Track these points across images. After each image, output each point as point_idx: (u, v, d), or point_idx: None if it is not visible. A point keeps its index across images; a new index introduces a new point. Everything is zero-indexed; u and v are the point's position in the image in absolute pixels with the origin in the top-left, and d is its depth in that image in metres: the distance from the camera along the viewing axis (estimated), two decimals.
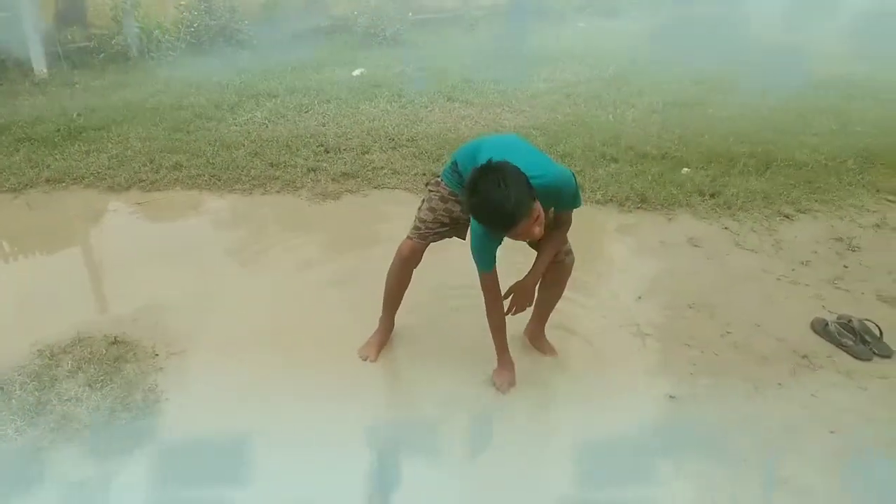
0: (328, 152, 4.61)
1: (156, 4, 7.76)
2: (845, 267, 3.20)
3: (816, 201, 3.86)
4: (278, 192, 4.07)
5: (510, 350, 2.37)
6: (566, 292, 2.46)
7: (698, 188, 3.98)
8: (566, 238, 2.27)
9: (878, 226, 3.61)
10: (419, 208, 2.37)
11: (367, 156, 4.56)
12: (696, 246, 3.41)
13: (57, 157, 4.50)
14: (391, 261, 2.41)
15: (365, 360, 2.48)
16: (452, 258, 2.66)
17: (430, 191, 2.35)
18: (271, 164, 4.39)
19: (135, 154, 4.57)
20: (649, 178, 4.12)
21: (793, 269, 3.17)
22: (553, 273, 2.31)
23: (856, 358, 2.51)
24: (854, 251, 3.34)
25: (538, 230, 1.92)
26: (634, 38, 8.69)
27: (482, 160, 1.98)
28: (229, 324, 2.73)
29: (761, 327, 2.71)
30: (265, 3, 8.93)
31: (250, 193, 4.05)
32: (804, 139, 4.88)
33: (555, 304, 2.47)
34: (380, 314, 2.55)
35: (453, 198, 2.27)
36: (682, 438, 2.17)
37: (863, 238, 3.46)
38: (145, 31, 7.38)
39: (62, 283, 3.06)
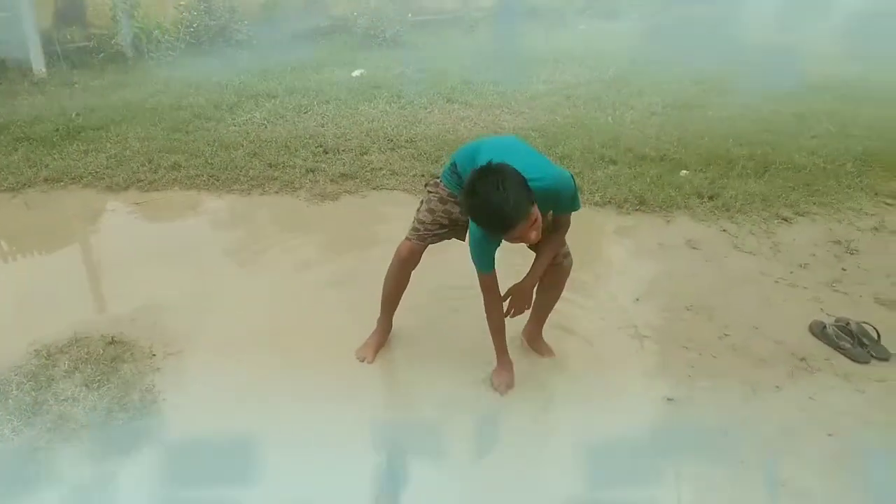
0: (327, 153, 4.61)
1: (155, 4, 7.76)
2: (843, 270, 3.20)
3: (815, 204, 3.86)
4: (277, 192, 4.06)
5: (509, 351, 2.36)
6: (564, 294, 2.46)
7: (697, 190, 3.98)
8: (565, 240, 2.26)
9: (876, 229, 3.61)
10: (418, 209, 2.36)
11: (365, 157, 4.55)
12: (694, 248, 3.41)
13: (55, 156, 4.49)
14: (389, 262, 2.41)
15: (362, 361, 2.47)
16: (451, 259, 2.66)
17: (429, 192, 2.35)
18: (270, 165, 4.38)
19: (133, 154, 4.56)
20: (648, 180, 4.12)
21: (791, 272, 3.17)
22: (551, 275, 2.31)
23: (854, 361, 2.51)
24: (852, 254, 3.34)
25: (535, 234, 1.92)
26: (634, 39, 8.71)
27: (481, 162, 1.97)
28: (227, 324, 2.72)
29: (759, 330, 2.71)
30: (265, 3, 8.93)
31: (249, 194, 4.05)
32: (803, 142, 4.88)
33: (553, 306, 2.47)
34: (377, 315, 2.55)
35: (452, 199, 2.27)
36: (680, 441, 2.17)
37: (861, 241, 3.46)
38: (145, 31, 7.37)
39: (60, 283, 3.06)
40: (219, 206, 3.93)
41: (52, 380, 2.33)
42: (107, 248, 3.51)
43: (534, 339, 2.54)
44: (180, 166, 4.35)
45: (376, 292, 2.51)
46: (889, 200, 3.95)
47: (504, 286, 2.23)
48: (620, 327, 2.72)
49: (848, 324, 2.61)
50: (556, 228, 2.19)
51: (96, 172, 4.26)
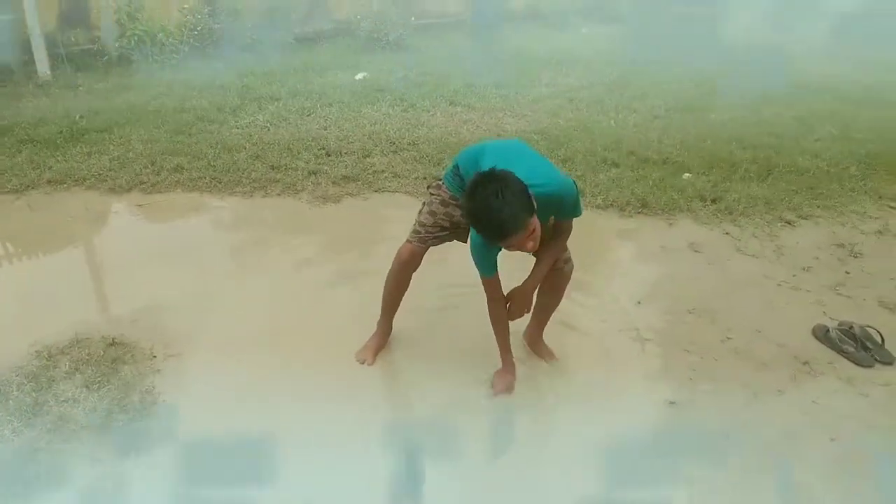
0: (329, 155, 4.61)
1: (159, 7, 7.79)
2: (847, 273, 3.18)
3: (818, 207, 3.85)
4: (279, 194, 4.07)
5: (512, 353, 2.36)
6: (566, 296, 2.45)
7: (699, 193, 3.97)
8: (566, 246, 2.26)
9: (880, 232, 3.60)
10: (419, 212, 2.36)
11: (368, 159, 4.56)
12: (696, 251, 3.40)
13: (59, 158, 4.50)
14: (390, 264, 2.41)
15: (362, 363, 2.47)
16: (452, 261, 2.65)
17: (432, 194, 2.34)
18: (272, 167, 4.39)
19: (136, 156, 4.57)
20: (650, 183, 4.12)
21: (794, 275, 3.15)
22: (552, 280, 2.31)
23: (857, 365, 2.50)
24: (856, 257, 3.33)
25: (532, 244, 1.91)
26: (635, 41, 8.71)
27: (485, 165, 1.97)
28: (228, 326, 2.72)
29: (762, 333, 2.70)
30: (269, 6, 8.95)
31: (251, 196, 4.06)
32: (806, 145, 4.88)
33: (553, 310, 2.47)
34: (378, 317, 2.54)
35: (454, 202, 2.26)
36: (682, 444, 2.16)
37: (865, 244, 3.45)
38: (149, 34, 7.40)
39: (62, 284, 3.06)
40: (221, 208, 3.93)
41: (53, 381, 2.33)
42: (109, 250, 3.52)
43: (534, 341, 2.53)
44: (183, 168, 4.35)
45: (377, 294, 2.50)
46: (893, 203, 3.94)
47: (507, 288, 2.22)
48: (622, 330, 2.71)
49: (851, 327, 2.59)
50: (557, 234, 2.18)
51: (99, 174, 4.27)
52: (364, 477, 1.98)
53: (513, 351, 2.37)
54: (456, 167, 2.24)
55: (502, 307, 2.23)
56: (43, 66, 6.81)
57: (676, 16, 9.22)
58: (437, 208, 2.29)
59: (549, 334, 2.55)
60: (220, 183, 4.18)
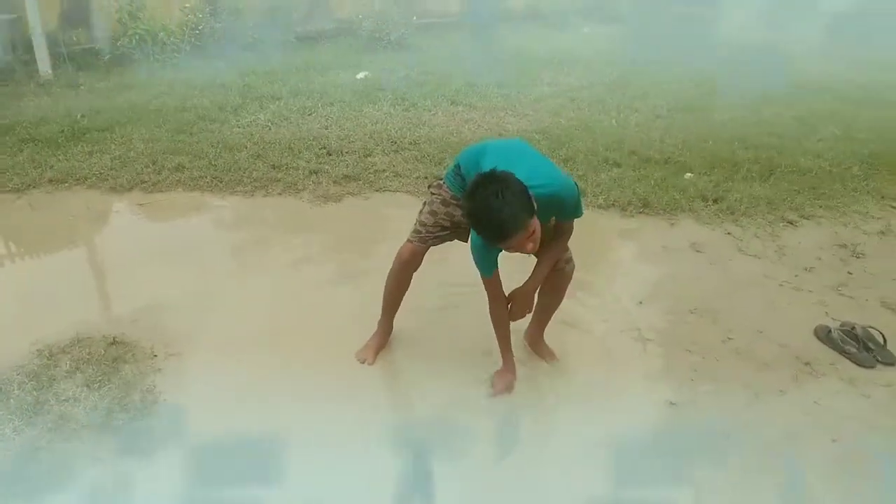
0: (330, 155, 4.61)
1: (161, 7, 7.79)
2: (849, 273, 3.17)
3: (820, 207, 3.84)
4: (280, 194, 4.06)
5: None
6: (568, 296, 2.45)
7: (701, 193, 3.96)
8: (567, 246, 2.26)
9: (882, 232, 3.59)
10: (420, 211, 2.36)
11: (369, 158, 4.56)
12: (698, 251, 3.39)
13: (60, 157, 4.51)
14: (391, 264, 2.40)
15: (363, 363, 2.47)
16: (453, 260, 2.65)
17: (433, 194, 2.34)
18: (273, 167, 4.39)
19: (137, 155, 4.57)
20: (652, 182, 4.11)
21: (796, 276, 3.15)
22: (553, 280, 2.30)
23: (859, 365, 2.49)
24: (858, 258, 3.32)
25: (532, 246, 1.90)
26: (636, 41, 8.70)
27: (486, 164, 1.97)
28: (228, 325, 2.72)
29: (763, 334, 2.69)
30: (270, 5, 8.95)
31: (252, 195, 4.05)
32: (808, 145, 4.87)
33: (554, 311, 2.46)
34: (378, 317, 2.54)
35: (455, 201, 2.26)
36: (683, 445, 2.15)
37: (867, 245, 3.44)
38: (150, 33, 7.40)
39: (63, 284, 3.06)
40: (222, 207, 3.93)
41: (54, 380, 2.33)
42: (110, 249, 3.52)
43: (535, 342, 2.53)
44: (184, 168, 4.35)
45: (378, 294, 2.50)
46: (895, 203, 3.92)
47: (508, 288, 2.22)
48: (623, 330, 2.71)
49: (853, 328, 2.58)
50: (558, 235, 2.18)
51: (101, 173, 4.27)
52: (364, 477, 1.98)
53: (514, 351, 2.37)
54: (457, 167, 2.24)
55: (503, 307, 2.23)
56: (44, 65, 6.82)
57: (676, 15, 9.23)
58: (437, 208, 2.29)
59: (551, 334, 2.54)
60: (221, 182, 4.18)
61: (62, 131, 4.98)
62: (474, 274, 2.15)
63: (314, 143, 4.81)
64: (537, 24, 10.58)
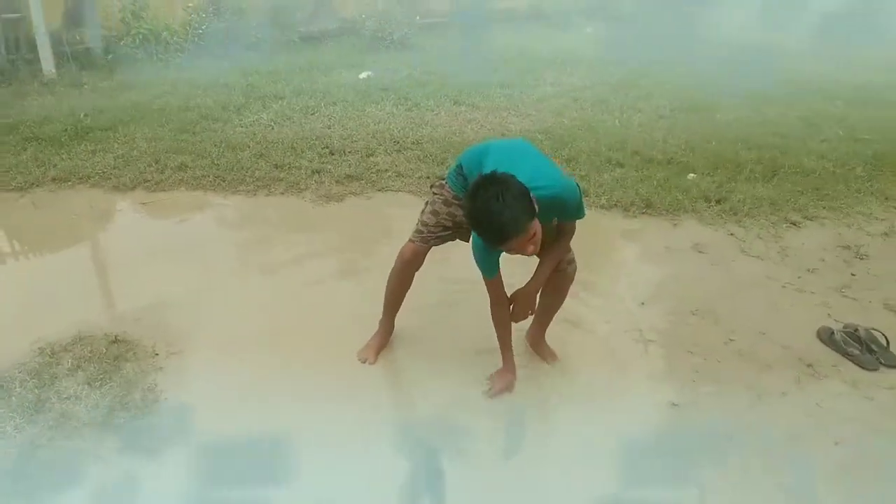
0: (333, 154, 4.61)
1: (164, 6, 7.81)
2: (853, 275, 3.16)
3: (824, 208, 3.83)
4: (282, 193, 4.07)
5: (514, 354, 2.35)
6: (570, 297, 2.44)
7: (704, 194, 3.95)
8: (569, 247, 2.25)
9: (886, 234, 3.57)
10: (422, 211, 2.36)
11: (371, 158, 4.56)
12: (701, 252, 3.38)
13: (63, 156, 4.52)
14: (393, 263, 2.40)
15: (364, 362, 2.47)
16: (454, 259, 2.64)
17: (434, 193, 2.34)
18: (276, 166, 4.39)
19: (140, 154, 4.58)
20: (655, 183, 4.10)
21: (799, 277, 3.13)
22: (554, 281, 2.29)
23: (862, 367, 2.48)
24: (862, 259, 3.30)
25: (532, 248, 1.90)
26: (640, 41, 8.69)
27: (489, 164, 1.96)
28: (230, 324, 2.72)
29: (766, 335, 2.68)
30: (273, 5, 8.97)
31: (254, 195, 4.06)
32: (812, 145, 4.85)
33: (556, 311, 2.46)
34: (380, 317, 2.54)
35: (457, 202, 2.25)
36: (684, 446, 2.15)
37: (871, 246, 3.43)
38: (153, 33, 7.42)
39: (65, 282, 3.07)
40: (224, 206, 3.94)
41: (55, 378, 2.33)
42: (112, 248, 3.53)
43: (537, 343, 2.52)
44: (187, 167, 4.36)
45: (379, 294, 2.50)
46: None
47: (510, 289, 2.21)
48: (625, 331, 2.70)
49: (856, 330, 2.57)
50: (560, 235, 2.17)
51: (104, 172, 4.28)
52: (365, 476, 1.98)
53: (515, 352, 2.36)
54: (459, 167, 2.23)
55: (505, 309, 2.23)
56: (48, 64, 6.84)
57: (680, 15, 9.21)
58: (439, 208, 2.29)
59: (553, 334, 2.53)
60: (223, 181, 4.18)
61: (65, 130, 4.99)
62: (475, 271, 2.15)
63: (317, 142, 4.82)
64: (540, 24, 10.57)
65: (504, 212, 1.78)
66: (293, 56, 7.96)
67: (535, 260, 2.21)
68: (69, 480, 1.94)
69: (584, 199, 2.12)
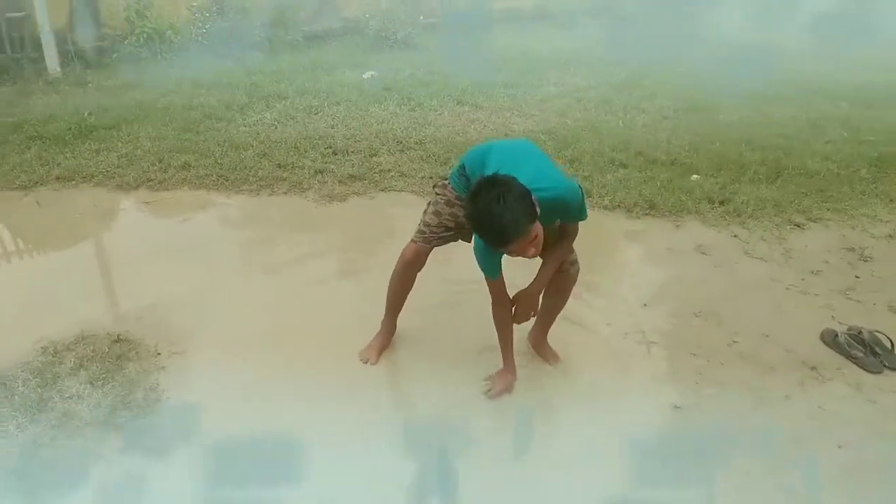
0: (336, 154, 4.61)
1: (168, 5, 7.82)
2: (857, 277, 3.15)
3: (828, 210, 3.81)
4: (285, 193, 4.07)
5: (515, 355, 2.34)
6: (573, 298, 2.44)
7: (707, 195, 3.94)
8: (572, 248, 2.25)
9: (890, 236, 3.56)
10: (424, 211, 2.35)
11: (374, 158, 4.55)
12: (704, 253, 3.37)
13: (67, 155, 4.53)
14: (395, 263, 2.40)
15: (366, 362, 2.47)
16: (457, 259, 2.64)
17: (437, 194, 2.33)
18: (279, 166, 4.39)
19: (144, 153, 4.59)
20: (658, 184, 4.09)
21: (803, 279, 3.12)
22: (557, 282, 2.29)
23: (866, 370, 2.47)
24: (866, 261, 3.29)
25: (533, 251, 1.89)
26: (644, 41, 8.66)
27: (491, 165, 1.96)
28: (233, 323, 2.72)
29: (769, 337, 2.67)
30: (277, 4, 8.97)
31: (257, 194, 4.06)
32: (816, 147, 4.83)
33: (558, 312, 2.45)
34: (382, 317, 2.54)
35: (459, 202, 2.25)
36: (686, 449, 2.14)
37: (875, 248, 3.41)
38: (157, 32, 7.43)
39: (68, 281, 3.07)
40: (227, 206, 3.94)
41: (58, 377, 2.34)
42: (116, 247, 3.54)
43: (539, 344, 2.52)
44: (190, 166, 4.37)
45: (381, 294, 2.50)
46: None
47: (512, 290, 2.21)
48: (628, 332, 2.70)
49: (860, 332, 2.56)
50: (563, 236, 2.17)
51: (107, 171, 4.29)
52: (366, 476, 1.98)
53: (517, 352, 2.36)
54: (462, 167, 2.23)
55: (507, 310, 2.22)
56: (53, 63, 6.85)
57: (680, 15, 9.19)
58: (442, 208, 2.28)
59: (556, 335, 2.53)
60: (226, 181, 4.19)
61: (70, 129, 5.01)
62: (478, 271, 2.14)
63: (320, 142, 4.82)
64: (545, 24, 10.54)
65: (505, 214, 1.78)
66: (297, 55, 7.96)
67: (538, 261, 2.21)
68: (71, 480, 1.95)
69: (586, 201, 2.11)
